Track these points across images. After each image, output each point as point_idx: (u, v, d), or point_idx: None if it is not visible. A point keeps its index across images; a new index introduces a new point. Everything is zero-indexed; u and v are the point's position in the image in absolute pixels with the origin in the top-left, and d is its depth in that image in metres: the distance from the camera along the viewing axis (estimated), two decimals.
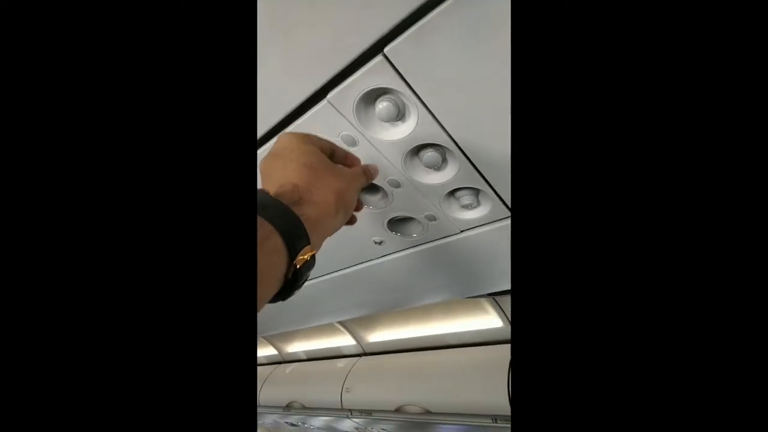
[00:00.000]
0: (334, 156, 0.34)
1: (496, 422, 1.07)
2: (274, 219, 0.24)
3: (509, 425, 1.05)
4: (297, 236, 0.25)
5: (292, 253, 0.25)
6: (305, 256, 0.26)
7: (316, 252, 0.28)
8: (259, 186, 0.30)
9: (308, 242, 0.26)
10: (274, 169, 0.30)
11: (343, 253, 0.59)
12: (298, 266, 0.25)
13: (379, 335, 1.57)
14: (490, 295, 0.65)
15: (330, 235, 0.31)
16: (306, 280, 0.27)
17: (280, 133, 0.32)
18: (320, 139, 0.33)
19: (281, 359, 1.99)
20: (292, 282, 0.26)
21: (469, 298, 1.11)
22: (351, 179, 0.33)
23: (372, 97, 0.35)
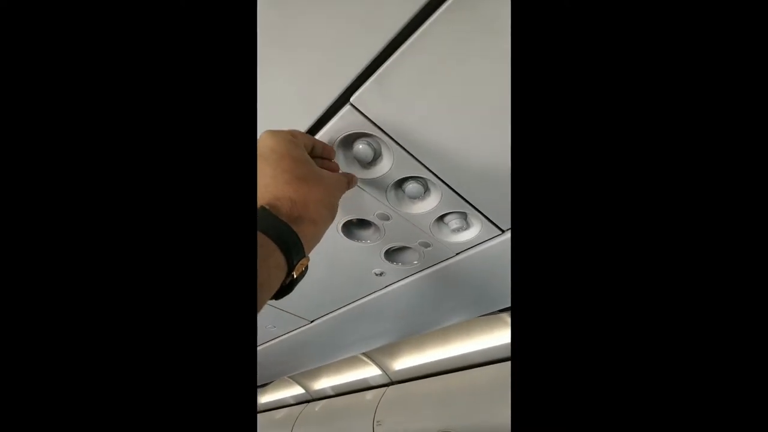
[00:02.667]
0: (314, 150, 0.34)
1: None
2: (276, 238, 0.26)
3: None
4: (296, 252, 0.27)
5: (290, 266, 0.27)
6: (302, 268, 0.29)
7: (308, 261, 0.30)
8: None
9: (304, 255, 0.29)
10: (263, 176, 0.29)
11: (348, 288, 0.60)
12: (295, 276, 0.28)
13: (404, 362, 1.54)
14: (503, 310, 0.64)
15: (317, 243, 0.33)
16: (298, 284, 0.30)
17: (264, 131, 0.31)
18: (303, 136, 0.33)
19: (310, 397, 1.96)
20: (287, 288, 0.29)
21: (488, 315, 1.09)
22: (336, 187, 0.34)
23: (349, 142, 0.37)
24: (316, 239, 0.31)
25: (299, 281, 0.30)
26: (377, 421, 1.49)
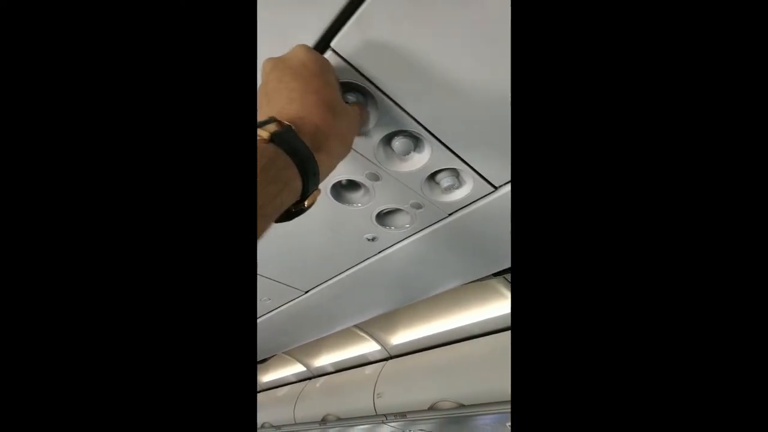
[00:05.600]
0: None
1: None
2: (299, 163, 0.25)
3: None
4: (313, 183, 0.27)
5: (305, 194, 0.27)
6: (313, 200, 0.28)
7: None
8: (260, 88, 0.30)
9: (317, 187, 0.28)
10: (290, 90, 0.28)
11: (341, 255, 0.59)
12: (305, 205, 0.27)
13: (401, 337, 1.57)
14: (497, 274, 0.64)
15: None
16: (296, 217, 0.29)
17: (300, 45, 0.30)
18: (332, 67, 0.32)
19: (311, 374, 2.00)
20: (294, 214, 0.28)
21: (481, 284, 1.10)
22: (355, 123, 0.32)
23: None
24: (328, 172, 0.30)
25: (306, 210, 0.29)
26: (377, 394, 1.53)
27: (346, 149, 0.31)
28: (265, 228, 0.24)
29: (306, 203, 0.27)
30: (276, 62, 0.29)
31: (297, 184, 0.25)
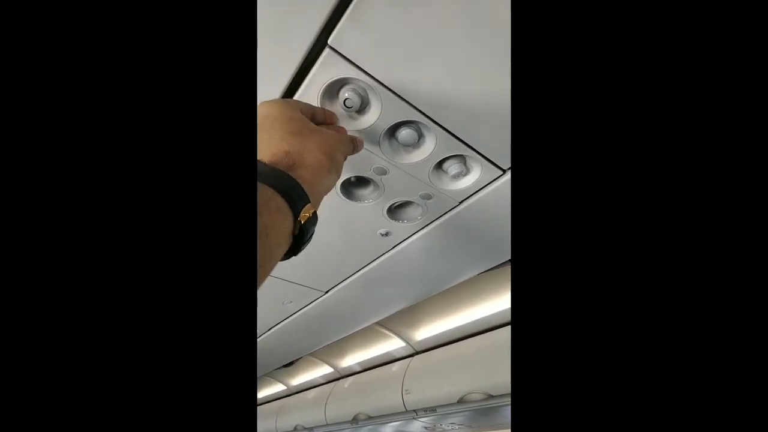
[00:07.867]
0: (315, 117, 0.35)
1: None
2: (272, 183, 0.26)
3: None
4: (297, 196, 0.27)
5: (295, 211, 0.27)
6: (308, 213, 0.28)
7: (317, 209, 0.30)
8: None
9: (308, 201, 0.28)
10: (260, 140, 0.30)
11: (356, 253, 0.60)
12: (302, 222, 0.27)
13: (425, 332, 1.56)
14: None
15: (326, 194, 0.32)
16: (312, 236, 0.29)
17: (261, 102, 0.32)
18: (299, 102, 0.34)
19: (338, 375, 2.02)
20: (299, 238, 0.28)
21: (499, 274, 1.09)
22: (337, 140, 0.33)
23: (333, 91, 0.36)
24: (319, 185, 0.30)
25: (311, 229, 0.29)
26: (406, 390, 1.53)
27: (328, 159, 0.31)
28: (265, 255, 0.24)
29: (302, 220, 0.27)
30: None
31: (278, 202, 0.26)
